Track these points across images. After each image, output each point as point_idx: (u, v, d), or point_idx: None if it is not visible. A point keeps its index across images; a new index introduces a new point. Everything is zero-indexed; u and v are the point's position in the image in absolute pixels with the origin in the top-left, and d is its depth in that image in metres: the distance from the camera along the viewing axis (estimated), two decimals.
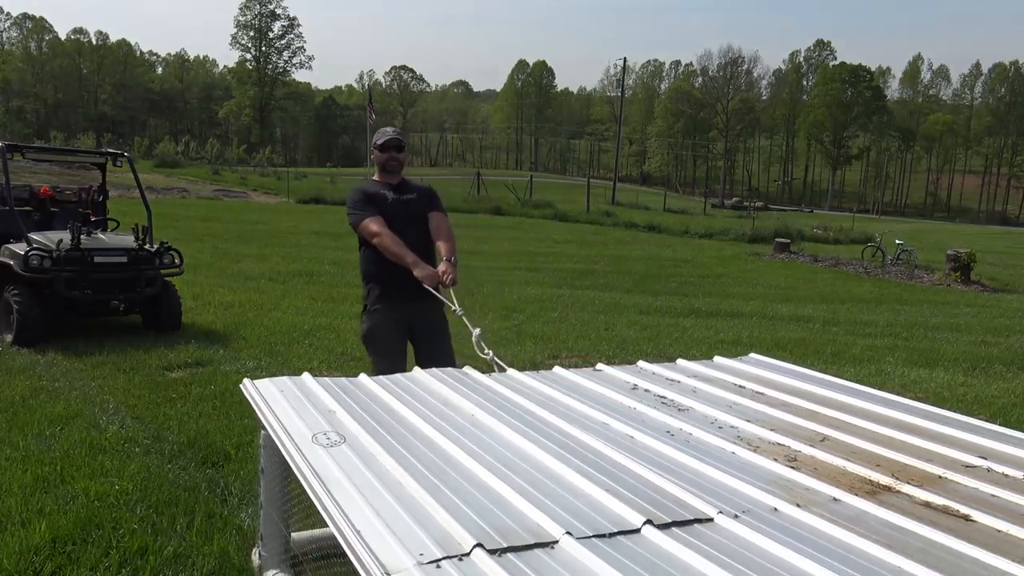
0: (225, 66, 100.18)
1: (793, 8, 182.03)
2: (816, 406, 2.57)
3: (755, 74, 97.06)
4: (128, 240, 7.60)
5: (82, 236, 7.16)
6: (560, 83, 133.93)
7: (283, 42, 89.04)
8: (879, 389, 2.81)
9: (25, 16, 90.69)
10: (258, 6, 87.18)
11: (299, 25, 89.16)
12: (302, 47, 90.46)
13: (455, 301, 3.73)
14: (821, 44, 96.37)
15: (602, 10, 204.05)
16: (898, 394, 2.81)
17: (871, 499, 1.79)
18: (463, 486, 1.77)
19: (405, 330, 3.99)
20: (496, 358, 3.32)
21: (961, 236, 36.21)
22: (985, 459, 2.10)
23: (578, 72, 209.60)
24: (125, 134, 76.42)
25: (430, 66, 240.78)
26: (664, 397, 2.65)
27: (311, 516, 2.45)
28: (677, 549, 1.49)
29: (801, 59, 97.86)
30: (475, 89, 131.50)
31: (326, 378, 2.68)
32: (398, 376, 2.78)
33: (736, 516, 1.66)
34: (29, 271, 6.82)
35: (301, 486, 1.88)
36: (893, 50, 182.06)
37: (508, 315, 9.63)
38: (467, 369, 2.90)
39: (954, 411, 2.57)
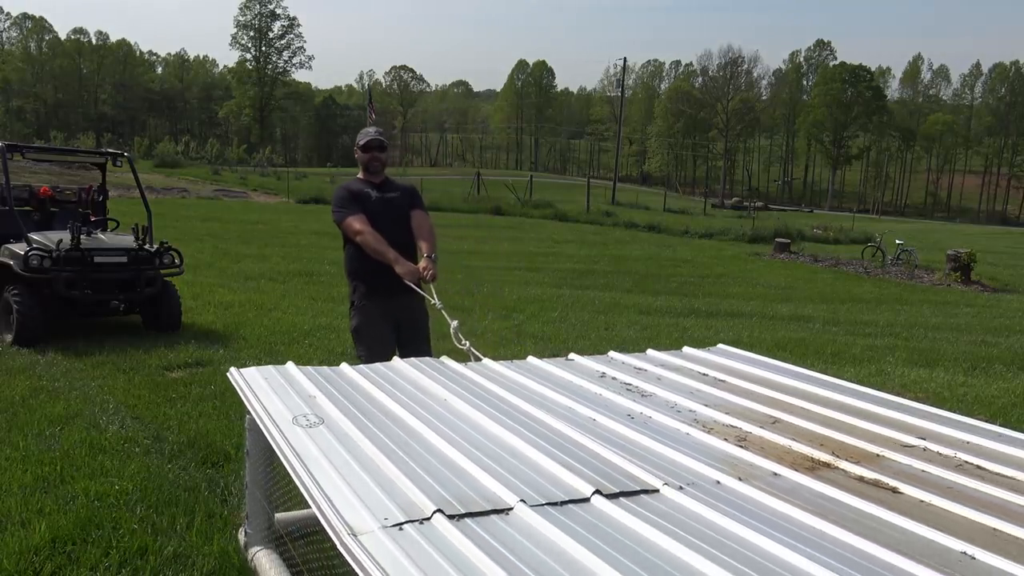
0: (225, 66, 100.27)
1: (793, 8, 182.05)
2: (774, 392, 2.67)
3: (755, 74, 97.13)
4: (128, 240, 7.59)
5: (82, 236, 7.15)
6: (560, 83, 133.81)
7: (283, 42, 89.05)
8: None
9: (25, 16, 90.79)
10: (258, 6, 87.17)
11: (299, 25, 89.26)
12: (302, 47, 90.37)
13: (435, 295, 3.90)
14: (821, 44, 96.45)
15: (602, 10, 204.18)
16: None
17: (809, 474, 1.92)
18: (429, 461, 1.91)
19: (392, 324, 4.14)
20: (472, 348, 3.42)
21: (961, 236, 36.22)
22: (924, 440, 2.22)
23: (578, 72, 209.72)
24: (125, 134, 76.47)
25: (430, 66, 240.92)
26: (630, 384, 2.75)
27: (293, 498, 2.56)
28: (623, 516, 1.62)
29: (801, 59, 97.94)
30: (475, 89, 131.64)
31: (309, 367, 2.77)
32: (377, 365, 2.89)
33: (680, 488, 1.80)
34: (29, 271, 6.81)
35: (284, 468, 1.98)
36: (893, 50, 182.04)
37: (508, 315, 9.63)
38: (444, 359, 2.99)
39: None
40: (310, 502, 1.72)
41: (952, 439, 2.24)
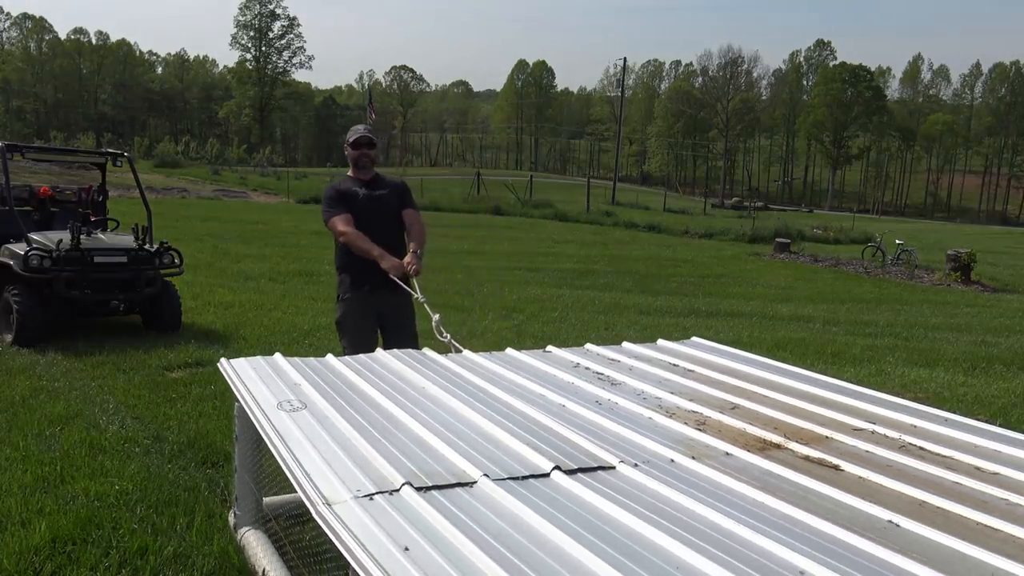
0: (225, 66, 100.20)
1: (793, 8, 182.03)
2: (738, 381, 2.77)
3: (755, 74, 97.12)
4: (128, 240, 7.61)
5: (82, 236, 7.17)
6: (560, 83, 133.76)
7: (283, 42, 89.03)
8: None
9: (25, 16, 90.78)
10: (258, 6, 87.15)
11: (299, 25, 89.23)
12: (302, 47, 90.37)
13: (418, 289, 4.00)
14: (821, 44, 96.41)
15: (602, 10, 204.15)
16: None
17: (760, 454, 2.02)
18: (402, 440, 2.04)
19: (374, 317, 4.25)
20: (453, 341, 3.51)
21: (961, 236, 36.22)
22: (874, 424, 2.32)
23: (578, 72, 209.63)
24: (125, 134, 76.45)
25: (430, 66, 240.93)
26: (602, 374, 2.85)
27: (279, 482, 2.69)
28: (580, 490, 1.73)
29: (801, 59, 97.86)
30: (475, 89, 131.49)
31: (296, 358, 2.87)
32: (361, 356, 2.98)
33: (636, 465, 1.91)
34: (29, 271, 6.82)
35: (270, 453, 2.09)
36: (893, 50, 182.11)
37: (508, 315, 9.63)
38: (426, 350, 3.09)
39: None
40: (289, 477, 1.83)
41: (900, 423, 2.34)
